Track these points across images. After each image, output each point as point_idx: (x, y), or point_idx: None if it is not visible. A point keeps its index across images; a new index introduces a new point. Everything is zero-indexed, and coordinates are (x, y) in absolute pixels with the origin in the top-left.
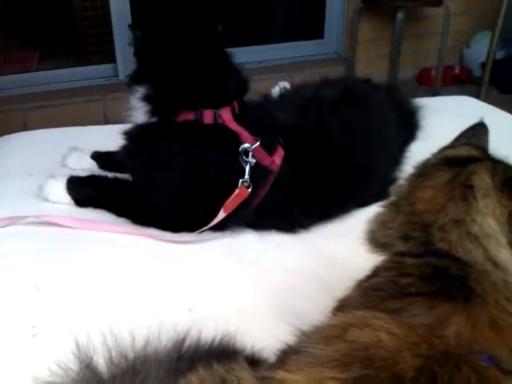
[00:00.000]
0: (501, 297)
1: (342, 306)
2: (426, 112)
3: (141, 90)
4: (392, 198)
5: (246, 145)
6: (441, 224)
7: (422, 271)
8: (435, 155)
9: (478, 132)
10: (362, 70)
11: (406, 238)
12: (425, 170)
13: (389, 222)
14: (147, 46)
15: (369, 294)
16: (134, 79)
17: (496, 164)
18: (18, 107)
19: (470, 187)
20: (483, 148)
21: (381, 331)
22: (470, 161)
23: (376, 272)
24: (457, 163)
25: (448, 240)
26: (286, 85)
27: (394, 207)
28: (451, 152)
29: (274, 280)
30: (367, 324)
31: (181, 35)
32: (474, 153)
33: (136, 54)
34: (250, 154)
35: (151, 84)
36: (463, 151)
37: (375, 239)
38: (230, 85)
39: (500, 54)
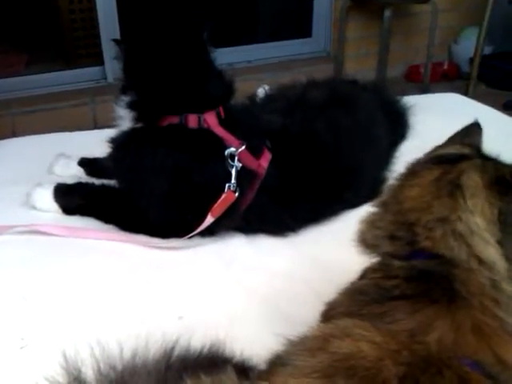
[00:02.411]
0: (486, 299)
1: (329, 310)
2: (414, 110)
3: (126, 99)
4: (382, 197)
5: (232, 149)
6: (425, 222)
7: (407, 273)
8: (426, 154)
9: (471, 131)
10: (350, 67)
11: (392, 237)
12: (414, 169)
13: (377, 221)
14: (132, 56)
15: (354, 297)
16: (121, 90)
17: (486, 162)
18: (5, 112)
19: (459, 186)
20: (475, 146)
21: (361, 341)
22: (460, 159)
23: (364, 274)
24: (446, 161)
25: (432, 238)
26: (267, 87)
27: (383, 206)
28: (441, 150)
29: (264, 285)
30: (348, 334)
31: (165, 41)
32: (465, 151)
33: (122, 66)
34: (236, 157)
35: (135, 91)
36: (453, 149)
37: (364, 240)
38: (215, 89)
39: (488, 50)
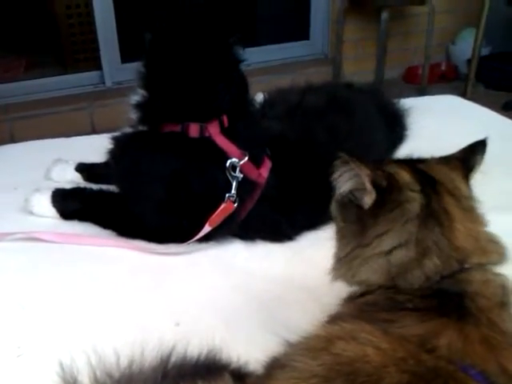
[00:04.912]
0: (494, 314)
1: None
2: (412, 113)
3: (136, 97)
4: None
5: (234, 160)
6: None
7: (423, 292)
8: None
9: (476, 149)
10: (348, 70)
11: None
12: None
13: (414, 266)
14: (154, 51)
15: (363, 308)
16: (140, 80)
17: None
18: (4, 117)
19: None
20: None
21: (367, 345)
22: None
23: (371, 289)
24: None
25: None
26: (265, 93)
27: (419, 249)
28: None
29: (261, 290)
30: (354, 337)
31: (186, 43)
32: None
33: (143, 56)
34: (238, 169)
35: (147, 91)
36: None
37: (395, 284)
38: (222, 99)
39: (486, 50)
